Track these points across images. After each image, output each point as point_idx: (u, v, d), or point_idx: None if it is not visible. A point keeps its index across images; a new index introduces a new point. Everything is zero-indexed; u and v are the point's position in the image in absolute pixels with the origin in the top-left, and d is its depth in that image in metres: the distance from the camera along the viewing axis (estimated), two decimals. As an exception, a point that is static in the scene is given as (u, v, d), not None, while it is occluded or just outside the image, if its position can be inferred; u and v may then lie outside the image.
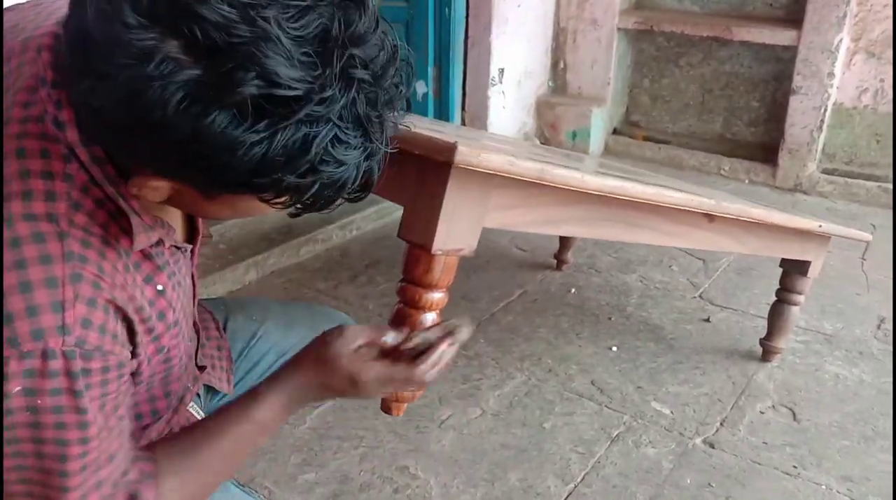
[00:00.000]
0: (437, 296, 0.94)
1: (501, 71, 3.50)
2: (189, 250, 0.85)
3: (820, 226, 1.66)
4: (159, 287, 0.75)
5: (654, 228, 1.30)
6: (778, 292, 1.94)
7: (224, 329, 1.15)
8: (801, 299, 1.92)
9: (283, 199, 0.63)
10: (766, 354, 1.99)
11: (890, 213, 3.12)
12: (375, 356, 0.83)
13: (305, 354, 0.84)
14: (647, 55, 3.82)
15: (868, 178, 3.31)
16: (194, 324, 0.96)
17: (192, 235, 0.89)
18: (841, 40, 3.15)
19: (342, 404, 1.77)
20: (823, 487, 1.55)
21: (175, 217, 0.81)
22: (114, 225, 0.68)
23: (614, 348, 2.04)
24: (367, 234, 2.82)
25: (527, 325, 2.16)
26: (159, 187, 0.64)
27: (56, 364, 0.63)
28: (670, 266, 2.56)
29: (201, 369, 1.03)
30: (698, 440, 1.69)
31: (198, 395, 1.06)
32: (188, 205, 0.70)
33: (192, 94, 0.55)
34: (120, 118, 0.58)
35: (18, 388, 0.62)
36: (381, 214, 2.92)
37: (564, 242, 2.47)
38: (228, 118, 0.56)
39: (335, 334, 0.83)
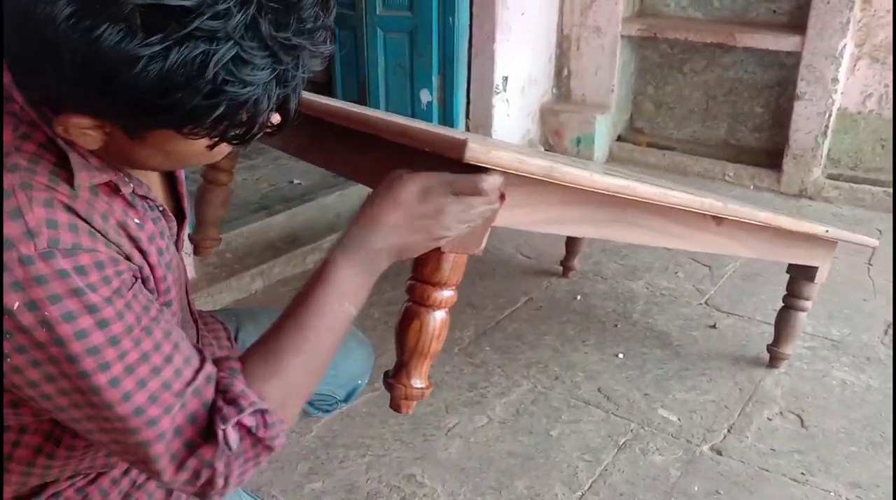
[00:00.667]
0: (447, 294, 0.94)
1: (505, 79, 3.51)
2: (175, 229, 0.85)
3: (826, 231, 1.66)
4: (136, 220, 0.74)
5: (662, 231, 1.30)
6: (785, 298, 1.94)
7: (235, 339, 1.16)
8: (808, 304, 1.91)
9: (201, 131, 0.63)
10: (774, 360, 1.98)
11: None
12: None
13: (364, 203, 0.80)
14: (650, 62, 3.83)
15: (873, 183, 3.31)
16: (192, 313, 0.96)
17: (179, 220, 0.88)
18: (845, 46, 3.15)
19: (348, 412, 1.77)
20: (832, 494, 1.54)
21: (154, 183, 0.83)
22: (62, 169, 0.68)
23: (620, 355, 2.04)
24: (373, 242, 2.82)
25: (533, 332, 2.16)
26: (87, 131, 0.64)
27: (38, 269, 0.61)
28: (676, 273, 2.55)
29: None
30: (706, 447, 1.68)
31: None
32: (121, 153, 0.69)
33: (79, 8, 0.56)
34: (19, 46, 0.59)
35: (17, 302, 0.61)
36: (386, 223, 2.92)
37: (570, 248, 2.47)
38: (119, 32, 0.56)
39: (399, 172, 0.80)
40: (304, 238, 2.62)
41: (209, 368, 0.72)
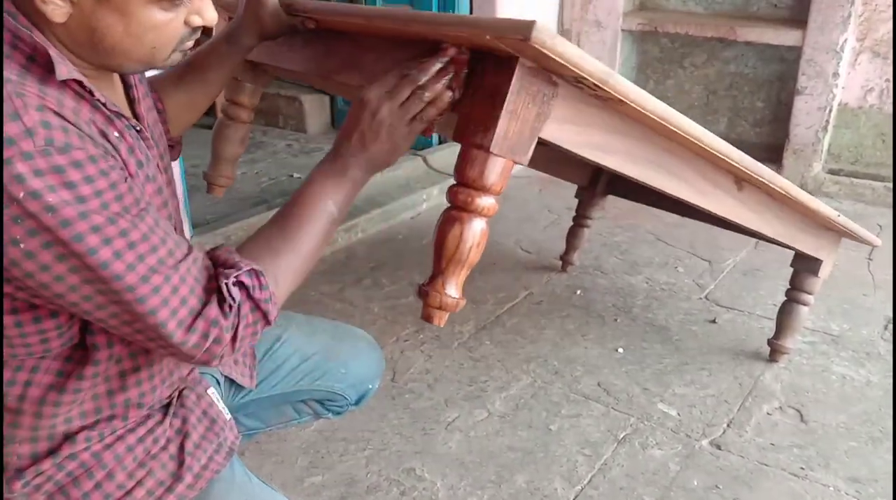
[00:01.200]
0: (490, 201, 0.93)
1: (505, 73, 3.50)
2: (158, 148, 0.91)
3: (839, 215, 1.67)
4: (115, 134, 0.79)
5: (690, 183, 1.31)
6: (788, 292, 1.94)
7: None
8: (811, 299, 1.92)
9: None
10: (774, 353, 1.99)
11: None
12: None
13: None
14: (651, 56, 3.82)
15: (874, 178, 3.30)
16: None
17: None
18: (846, 40, 3.15)
19: (348, 407, 1.77)
20: (831, 488, 1.54)
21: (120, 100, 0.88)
22: (47, 80, 0.73)
23: (620, 350, 2.04)
24: (372, 236, 2.82)
25: (532, 327, 2.16)
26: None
27: (37, 163, 0.66)
28: (676, 268, 2.55)
29: None
30: (705, 442, 1.68)
31: (218, 383, 1.07)
32: (85, 27, 0.74)
33: None
34: None
35: (22, 193, 0.66)
36: (385, 217, 2.92)
37: (570, 243, 2.47)
38: None
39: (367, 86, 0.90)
40: (303, 232, 2.62)
41: (197, 252, 0.81)
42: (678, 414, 1.78)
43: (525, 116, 0.91)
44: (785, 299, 1.96)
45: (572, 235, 2.46)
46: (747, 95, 3.62)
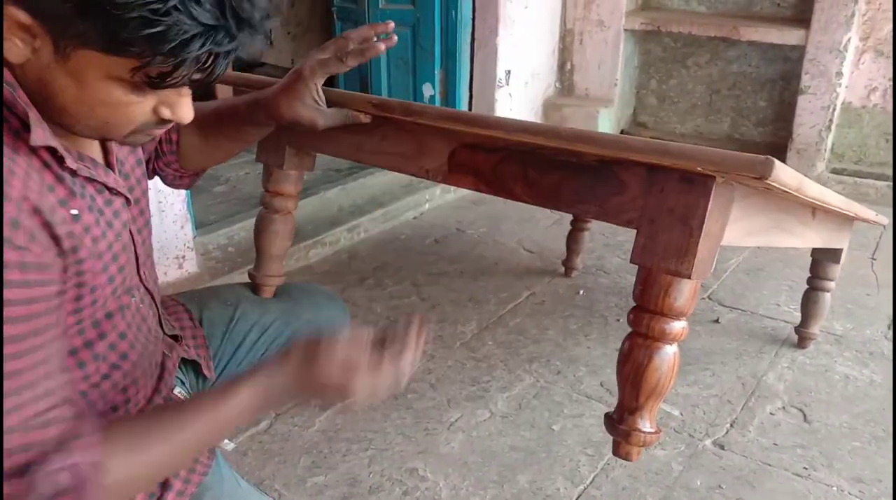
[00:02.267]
0: (684, 325, 0.89)
1: (508, 72, 3.50)
2: (125, 200, 0.85)
3: (877, 215, 1.75)
4: (74, 211, 0.74)
5: (794, 233, 1.33)
6: (810, 281, 2.00)
7: (200, 321, 1.17)
8: (833, 285, 2.00)
9: (127, 52, 0.65)
10: (803, 341, 2.06)
11: (900, 212, 3.11)
12: (361, 362, 0.81)
13: (293, 354, 0.82)
14: (654, 56, 3.81)
15: (878, 177, 3.30)
16: (148, 291, 0.96)
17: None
18: (849, 39, 3.14)
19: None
20: (834, 488, 1.54)
21: (95, 151, 0.83)
22: (14, 121, 0.69)
23: (623, 350, 2.04)
24: (375, 236, 2.82)
25: (535, 327, 2.16)
26: (17, 35, 0.66)
27: None
28: (679, 267, 2.55)
29: (174, 338, 1.04)
30: (708, 442, 1.68)
31: (181, 382, 1.06)
32: (39, 78, 0.69)
33: None
34: None
35: None
36: (387, 217, 2.92)
37: (571, 247, 2.45)
38: None
39: (323, 344, 0.81)
40: (305, 232, 2.62)
41: (60, 412, 0.70)
42: (681, 414, 1.77)
43: (714, 232, 0.86)
44: (807, 287, 2.01)
45: (572, 240, 2.44)
46: (750, 95, 3.61)
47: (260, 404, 0.80)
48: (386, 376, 0.82)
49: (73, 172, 0.75)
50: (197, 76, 0.70)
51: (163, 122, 0.76)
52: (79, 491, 0.68)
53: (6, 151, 0.67)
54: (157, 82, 0.69)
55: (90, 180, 0.78)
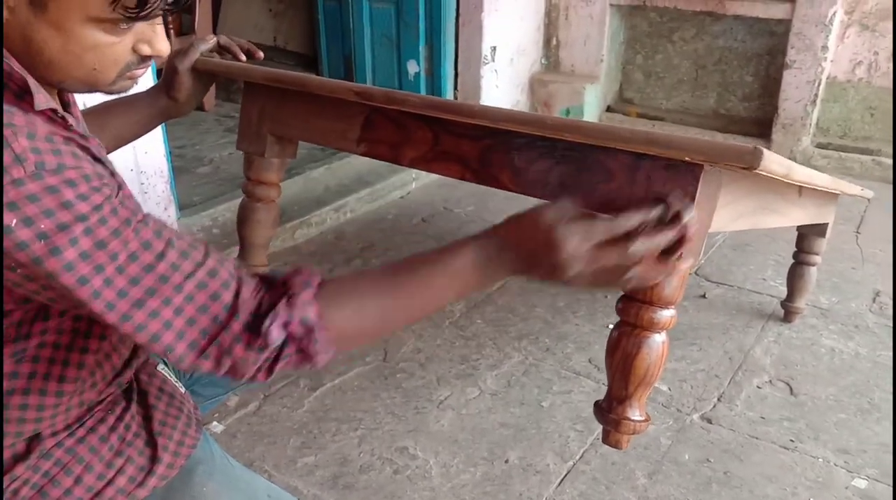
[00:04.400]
0: (673, 313, 0.89)
1: (494, 49, 3.47)
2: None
3: (862, 190, 1.77)
4: (94, 149, 0.76)
5: (781, 212, 1.33)
6: (797, 255, 2.01)
7: None
8: (819, 259, 2.01)
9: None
10: (789, 315, 2.08)
11: (883, 186, 3.12)
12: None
13: (508, 218, 0.80)
14: (639, 31, 3.79)
15: (862, 152, 3.31)
16: None
17: None
18: (835, 13, 3.13)
19: (340, 387, 1.77)
20: (820, 460, 1.56)
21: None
22: (14, 86, 0.70)
23: (611, 326, 2.04)
24: (361, 216, 2.81)
25: (523, 305, 2.16)
26: None
27: (29, 188, 0.64)
28: (666, 243, 2.55)
29: None
30: (696, 416, 1.69)
31: (164, 363, 1.05)
32: (22, 37, 0.70)
33: None
34: None
35: (14, 220, 0.64)
36: (374, 197, 2.90)
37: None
38: None
39: (547, 204, 0.78)
40: (291, 213, 2.60)
41: (214, 262, 0.73)
42: (669, 389, 1.78)
43: (702, 219, 0.85)
44: (793, 262, 2.02)
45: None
46: (736, 70, 3.60)
47: (481, 268, 0.77)
48: (602, 229, 0.74)
49: (73, 135, 0.75)
50: (170, 3, 0.71)
51: (143, 60, 0.77)
52: (307, 340, 0.72)
53: (19, 113, 0.67)
54: (134, 13, 0.69)
55: (83, 147, 0.78)
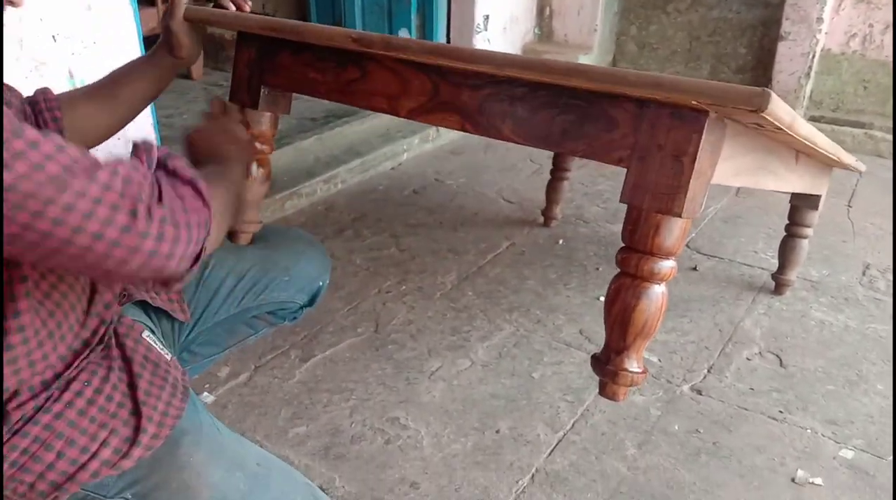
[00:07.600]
0: (673, 264, 0.88)
1: (486, 17, 3.43)
2: None
3: (856, 160, 1.75)
4: None
5: (779, 175, 1.33)
6: (788, 228, 2.01)
7: None
8: (810, 232, 2.01)
9: None
10: (780, 287, 2.08)
11: (874, 159, 3.13)
12: None
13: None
14: (633, 1, 3.75)
15: (854, 125, 3.30)
16: None
17: None
18: (831, -16, 3.11)
19: (331, 357, 1.76)
20: (809, 431, 1.57)
21: None
22: None
23: (602, 298, 2.04)
24: (352, 187, 2.78)
25: (515, 277, 2.16)
26: None
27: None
28: (657, 216, 2.55)
29: None
30: (686, 387, 1.70)
31: (151, 330, 1.04)
32: None
33: None
34: None
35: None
36: (365, 168, 2.88)
37: (550, 197, 2.43)
38: None
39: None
40: (281, 183, 2.58)
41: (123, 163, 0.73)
42: (659, 360, 1.79)
43: (705, 170, 0.84)
44: (785, 234, 2.02)
45: (552, 190, 2.42)
46: (730, 41, 3.57)
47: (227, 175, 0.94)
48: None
49: None
50: None
51: None
52: (196, 181, 0.78)
53: None
54: None
55: None
